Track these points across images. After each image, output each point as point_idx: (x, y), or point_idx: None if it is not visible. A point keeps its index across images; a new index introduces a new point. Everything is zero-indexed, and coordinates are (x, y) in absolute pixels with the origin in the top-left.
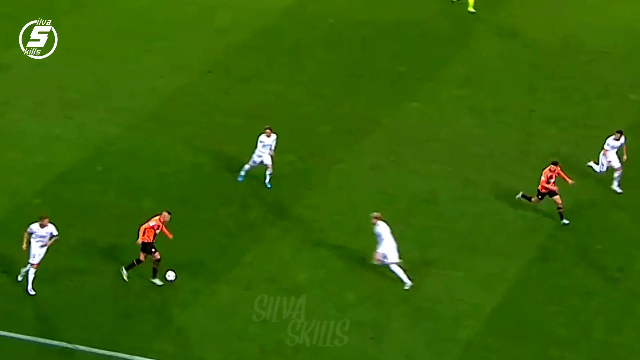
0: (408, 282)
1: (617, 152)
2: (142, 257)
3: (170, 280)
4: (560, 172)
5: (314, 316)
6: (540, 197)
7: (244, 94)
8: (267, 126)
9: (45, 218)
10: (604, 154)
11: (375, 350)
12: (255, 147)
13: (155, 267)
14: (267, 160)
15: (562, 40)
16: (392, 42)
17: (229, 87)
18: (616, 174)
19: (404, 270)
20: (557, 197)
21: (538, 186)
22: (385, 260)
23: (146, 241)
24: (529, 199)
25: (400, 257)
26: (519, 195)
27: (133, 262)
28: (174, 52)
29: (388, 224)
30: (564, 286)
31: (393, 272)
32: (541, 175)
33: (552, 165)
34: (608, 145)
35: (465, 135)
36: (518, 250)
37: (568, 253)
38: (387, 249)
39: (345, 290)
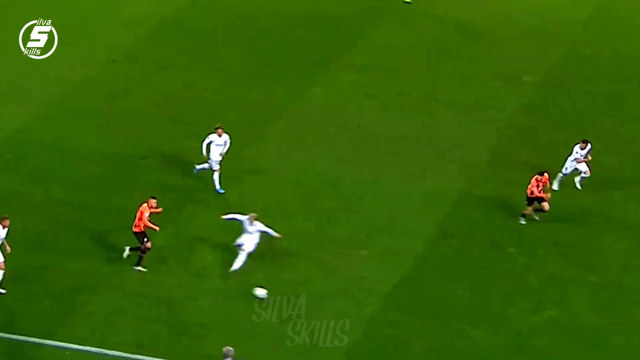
0: (236, 268)
1: (584, 158)
2: (147, 244)
3: (261, 297)
4: (547, 181)
5: (220, 298)
6: (528, 203)
7: (152, 83)
8: (218, 125)
9: (6, 219)
10: (573, 160)
11: (283, 329)
12: (208, 150)
13: (142, 255)
14: (216, 165)
15: (460, 26)
16: (297, 31)
17: (138, 76)
18: (583, 175)
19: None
20: (545, 204)
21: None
22: (242, 248)
23: (138, 231)
24: (524, 215)
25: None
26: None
27: (140, 255)
28: (83, 42)
29: (265, 224)
30: (463, 262)
31: (238, 256)
32: (529, 183)
33: (538, 176)
34: (577, 154)
35: (368, 120)
36: (420, 229)
37: (466, 230)
38: (249, 242)
39: (253, 272)
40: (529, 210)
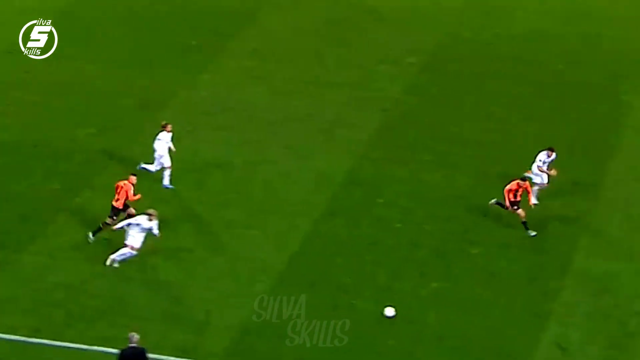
0: (110, 260)
1: (547, 167)
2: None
3: (391, 316)
4: (528, 188)
5: (115, 281)
6: (515, 207)
7: (46, 72)
8: (166, 122)
9: None
10: (539, 169)
11: (179, 309)
12: (154, 148)
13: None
14: (167, 162)
15: (346, 10)
16: (186, 18)
17: (29, 66)
18: (535, 188)
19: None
20: (520, 210)
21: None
22: (130, 245)
23: (119, 208)
24: (504, 206)
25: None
26: (492, 201)
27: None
28: None
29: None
30: (350, 238)
31: (122, 249)
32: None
33: (520, 181)
34: (540, 161)
35: (255, 104)
36: (308, 208)
37: (353, 208)
38: (137, 238)
39: (149, 254)
40: (512, 210)
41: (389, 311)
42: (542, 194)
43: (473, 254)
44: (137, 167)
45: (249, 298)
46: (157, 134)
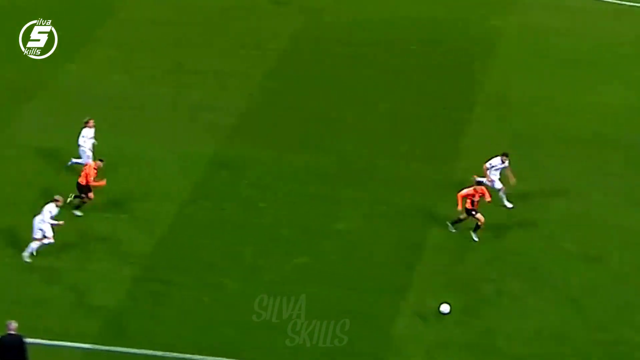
0: (26, 255)
1: (500, 173)
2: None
3: (446, 313)
4: (485, 192)
5: (11, 269)
6: (473, 213)
7: None
8: (88, 118)
9: None
10: (486, 173)
11: (51, 292)
12: (79, 144)
13: (86, 202)
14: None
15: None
16: (49, 8)
17: None
18: (500, 192)
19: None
20: (478, 215)
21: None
22: (45, 239)
23: (83, 183)
24: (460, 220)
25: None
26: (449, 224)
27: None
28: None
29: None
30: (216, 220)
31: (40, 245)
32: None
33: (476, 186)
34: (491, 165)
35: (121, 92)
36: (175, 192)
37: (219, 191)
38: (49, 228)
39: (23, 239)
40: (464, 217)
41: (445, 308)
42: (395, 169)
43: (337, 230)
44: (68, 164)
45: (121, 279)
46: (81, 131)
